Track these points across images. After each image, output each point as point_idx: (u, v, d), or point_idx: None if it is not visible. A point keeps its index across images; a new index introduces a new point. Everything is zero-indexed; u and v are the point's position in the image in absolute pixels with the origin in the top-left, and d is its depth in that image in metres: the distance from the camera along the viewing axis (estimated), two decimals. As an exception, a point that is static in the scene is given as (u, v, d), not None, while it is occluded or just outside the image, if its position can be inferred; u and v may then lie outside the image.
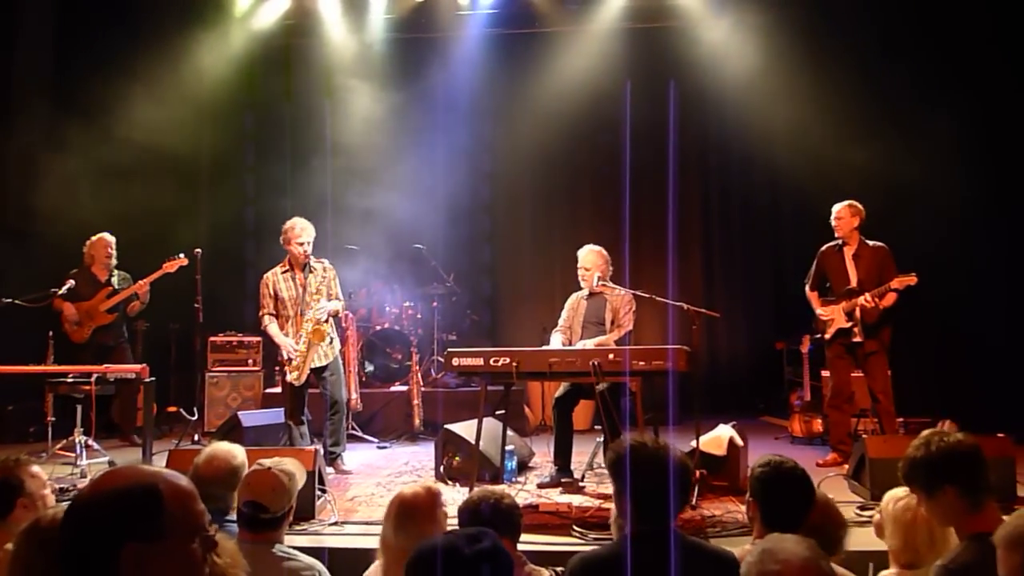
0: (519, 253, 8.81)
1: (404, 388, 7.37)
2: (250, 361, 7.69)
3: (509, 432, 5.31)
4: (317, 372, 5.55)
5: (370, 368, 7.71)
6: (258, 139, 8.43)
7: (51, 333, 6.14)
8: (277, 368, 7.74)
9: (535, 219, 8.83)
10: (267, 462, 2.68)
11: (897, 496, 2.51)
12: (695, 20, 8.06)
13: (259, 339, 7.68)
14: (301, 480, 2.80)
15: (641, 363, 4.42)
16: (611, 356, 4.49)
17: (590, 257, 5.37)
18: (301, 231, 5.47)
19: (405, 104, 8.39)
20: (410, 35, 8.61)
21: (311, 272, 5.48)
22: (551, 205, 8.77)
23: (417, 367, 7.21)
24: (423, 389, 7.20)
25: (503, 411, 5.10)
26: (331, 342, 5.59)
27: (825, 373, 6.61)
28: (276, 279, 5.55)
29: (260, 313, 5.56)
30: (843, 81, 7.17)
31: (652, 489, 2.20)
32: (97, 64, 7.66)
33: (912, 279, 5.41)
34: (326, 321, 5.50)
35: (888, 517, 2.50)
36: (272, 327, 5.50)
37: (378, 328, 7.82)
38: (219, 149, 8.40)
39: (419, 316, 7.93)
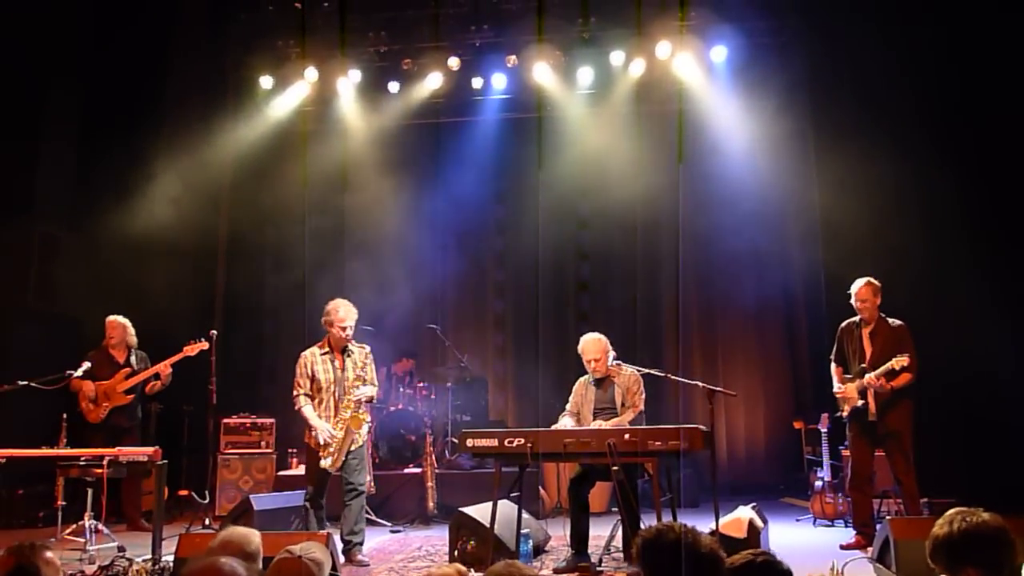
0: (533, 334, 8.85)
1: (418, 470, 7.31)
2: (263, 443, 7.66)
3: (524, 515, 5.22)
4: (347, 456, 5.43)
5: (384, 450, 7.65)
6: (276, 223, 8.60)
7: (64, 415, 6.16)
8: (292, 451, 7.75)
9: (549, 301, 8.90)
10: (296, 549, 2.65)
11: None
12: (703, 104, 8.26)
13: (272, 421, 7.69)
14: (327, 568, 2.76)
15: (657, 443, 4.39)
16: (627, 436, 4.46)
17: (596, 345, 5.35)
18: (346, 315, 5.40)
19: (419, 187, 8.61)
20: (424, 121, 8.88)
21: (349, 356, 5.44)
22: (565, 286, 8.84)
23: (431, 448, 7.16)
24: (437, 471, 7.13)
25: (518, 493, 5.03)
26: (369, 430, 5.54)
27: (846, 452, 6.51)
28: (314, 359, 5.45)
29: (295, 393, 5.44)
30: (853, 159, 7.26)
31: None
32: (119, 148, 7.96)
33: (906, 360, 5.38)
34: (365, 410, 5.47)
35: None
36: (307, 408, 5.38)
37: (392, 409, 7.81)
38: (237, 233, 8.57)
39: (433, 397, 7.91)
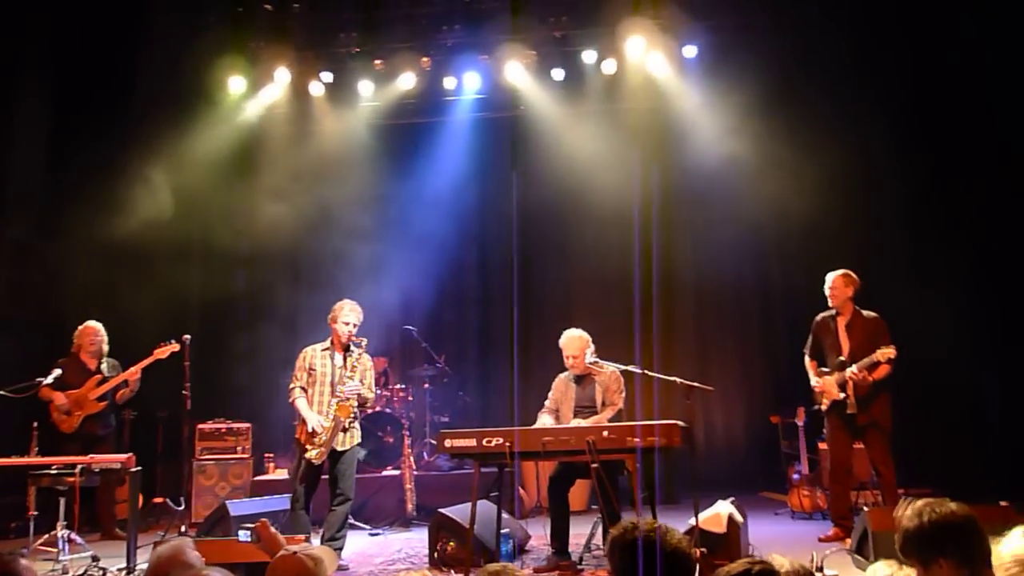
0: (510, 333, 8.81)
1: (396, 472, 7.26)
2: (239, 449, 7.56)
3: (504, 515, 5.20)
4: (332, 457, 5.43)
5: (362, 452, 7.57)
6: (249, 226, 8.51)
7: (35, 424, 6.04)
8: (269, 456, 7.68)
9: (526, 299, 8.88)
10: (293, 547, 2.62)
11: (877, 571, 2.45)
12: (674, 99, 8.29)
13: (248, 426, 7.60)
14: (331, 568, 2.72)
15: (635, 440, 4.38)
16: (605, 433, 4.45)
17: (575, 343, 5.36)
18: (350, 312, 5.53)
19: (393, 189, 8.55)
20: (397, 122, 8.83)
21: (350, 355, 5.52)
22: (542, 285, 8.82)
23: (409, 450, 7.12)
24: (415, 473, 7.09)
25: (497, 493, 5.01)
26: (352, 422, 5.49)
27: (823, 446, 6.56)
28: (315, 353, 5.56)
29: (291, 385, 5.51)
30: (826, 149, 7.32)
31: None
32: (90, 153, 7.83)
33: (892, 352, 5.41)
34: (360, 406, 5.53)
35: None
36: (300, 401, 5.45)
37: (369, 411, 7.72)
38: (210, 236, 8.47)
39: (410, 399, 7.87)
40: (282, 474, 7.38)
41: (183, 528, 6.59)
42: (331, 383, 5.46)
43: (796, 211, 7.56)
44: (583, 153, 8.23)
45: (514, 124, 8.77)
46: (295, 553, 2.63)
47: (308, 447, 5.33)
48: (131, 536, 5.06)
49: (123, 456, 5.20)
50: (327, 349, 5.56)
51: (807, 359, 5.93)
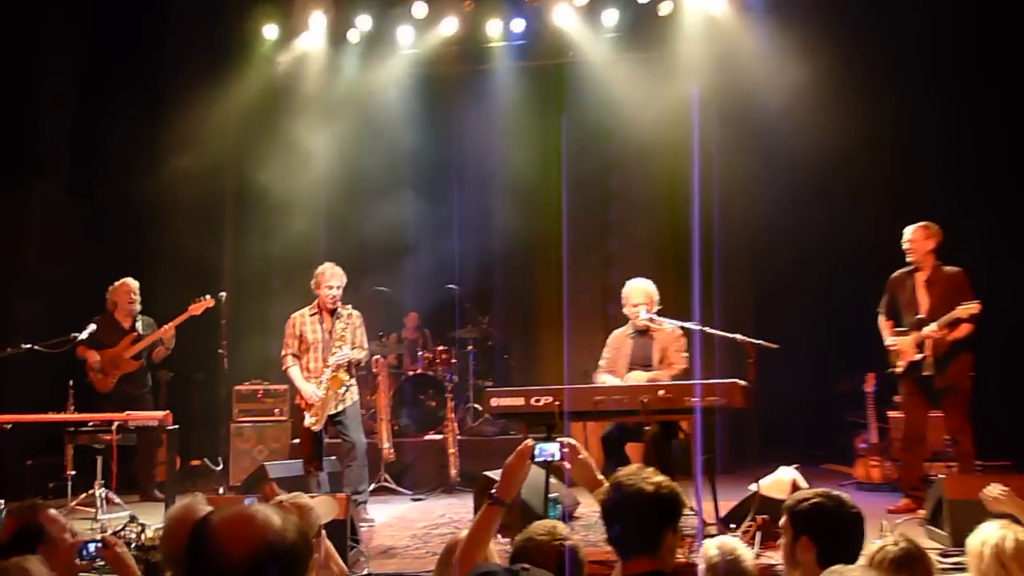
0: (559, 292, 8.77)
1: (439, 437, 7.31)
2: (277, 411, 7.66)
3: (552, 480, 5.18)
4: (332, 419, 5.66)
5: (403, 416, 7.65)
6: (285, 179, 8.55)
7: (71, 382, 6.18)
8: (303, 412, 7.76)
9: (575, 255, 8.80)
10: (282, 497, 2.65)
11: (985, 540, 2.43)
12: (734, 42, 8.04)
13: (286, 387, 7.67)
14: (325, 517, 2.74)
15: (695, 399, 4.31)
16: (661, 392, 4.38)
17: (639, 292, 5.29)
18: (331, 276, 5.69)
19: (432, 141, 8.50)
20: (438, 70, 8.74)
21: (338, 318, 5.67)
22: (591, 240, 8.75)
23: (452, 415, 7.15)
24: (459, 438, 7.12)
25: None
26: (347, 389, 5.69)
27: (893, 414, 6.42)
28: (303, 320, 5.74)
29: (283, 353, 5.75)
30: (903, 98, 7.07)
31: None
32: (120, 107, 7.88)
33: (975, 307, 5.23)
34: (347, 370, 5.66)
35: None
36: (293, 370, 5.69)
37: (410, 374, 7.80)
38: (245, 191, 8.50)
39: (453, 361, 7.90)
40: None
41: (221, 490, 6.74)
42: (323, 349, 5.66)
43: (867, 161, 7.33)
44: (636, 102, 8.04)
45: (562, 72, 8.61)
46: (281, 502, 2.65)
47: (306, 414, 5.58)
48: (169, 494, 5.17)
49: (160, 413, 5.31)
50: (315, 314, 5.73)
51: (881, 319, 5.75)
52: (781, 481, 4.68)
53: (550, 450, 2.80)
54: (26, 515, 2.59)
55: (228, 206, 8.67)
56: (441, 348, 7.94)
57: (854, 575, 1.68)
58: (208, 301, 6.54)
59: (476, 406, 7.80)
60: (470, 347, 8.03)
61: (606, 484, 2.63)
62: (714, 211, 7.59)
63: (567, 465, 2.80)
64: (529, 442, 2.77)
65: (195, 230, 8.05)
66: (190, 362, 7.49)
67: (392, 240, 8.51)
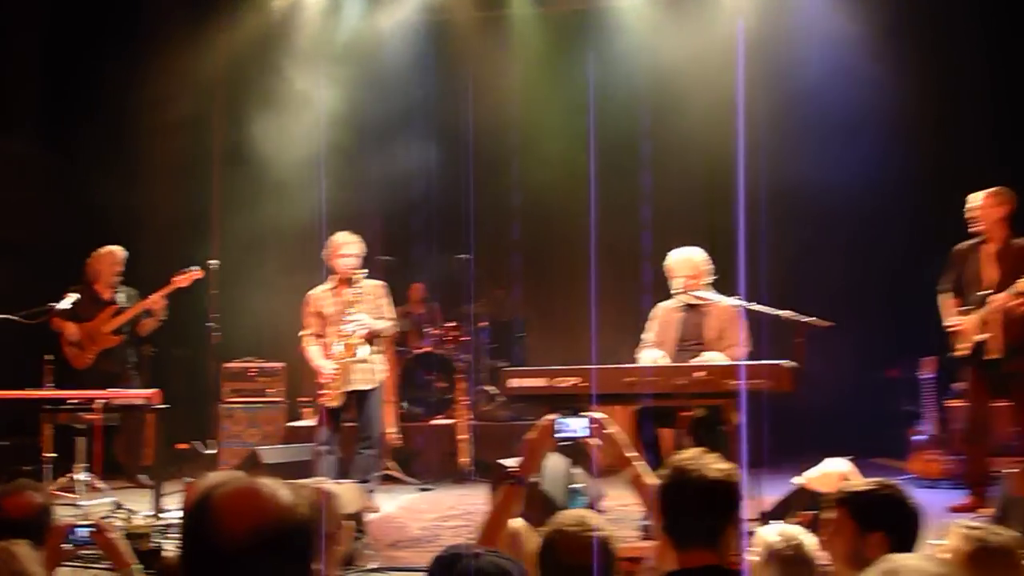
0: (585, 262, 8.76)
1: (449, 422, 7.36)
2: (271, 391, 7.73)
3: (575, 469, 5.21)
4: (356, 398, 5.72)
5: (407, 399, 7.69)
6: (278, 135, 8.54)
7: (48, 357, 6.22)
8: (304, 400, 7.82)
9: (603, 220, 8.77)
10: (310, 482, 2.67)
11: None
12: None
13: (282, 365, 7.74)
14: (350, 507, 2.76)
15: (737, 382, 4.31)
16: (701, 374, 4.39)
17: (691, 262, 5.26)
18: (343, 243, 5.82)
19: (445, 95, 8.50)
20: (449, 16, 8.71)
21: (357, 294, 5.76)
22: (621, 203, 8.72)
23: (464, 397, 7.18)
24: (471, 423, 7.17)
25: (568, 443, 5.00)
26: (370, 366, 5.77)
27: (952, 403, 6.41)
28: (319, 296, 5.87)
29: (301, 334, 5.87)
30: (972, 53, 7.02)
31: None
32: (101, 59, 7.87)
33: None
34: (370, 342, 5.74)
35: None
36: (312, 349, 5.81)
37: (417, 352, 7.82)
38: (237, 148, 8.50)
39: (465, 338, 7.91)
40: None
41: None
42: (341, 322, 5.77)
43: (929, 125, 7.28)
44: (671, 49, 8.01)
45: (589, 20, 8.58)
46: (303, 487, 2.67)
47: (321, 392, 5.75)
48: (157, 479, 5.23)
49: (148, 391, 5.36)
50: (332, 288, 5.86)
51: (944, 297, 5.67)
52: (830, 474, 4.65)
53: (575, 425, 2.81)
54: (14, 493, 2.64)
55: (218, 163, 8.68)
56: (451, 324, 7.95)
57: (915, 564, 1.67)
58: (196, 272, 6.55)
59: (490, 388, 7.83)
60: (484, 323, 8.05)
61: (640, 465, 2.65)
62: (760, 171, 7.56)
63: (596, 441, 2.81)
64: (552, 416, 2.80)
65: (183, 191, 8.08)
66: (175, 336, 7.52)
67: (398, 203, 8.54)
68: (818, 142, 8.02)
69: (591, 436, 2.81)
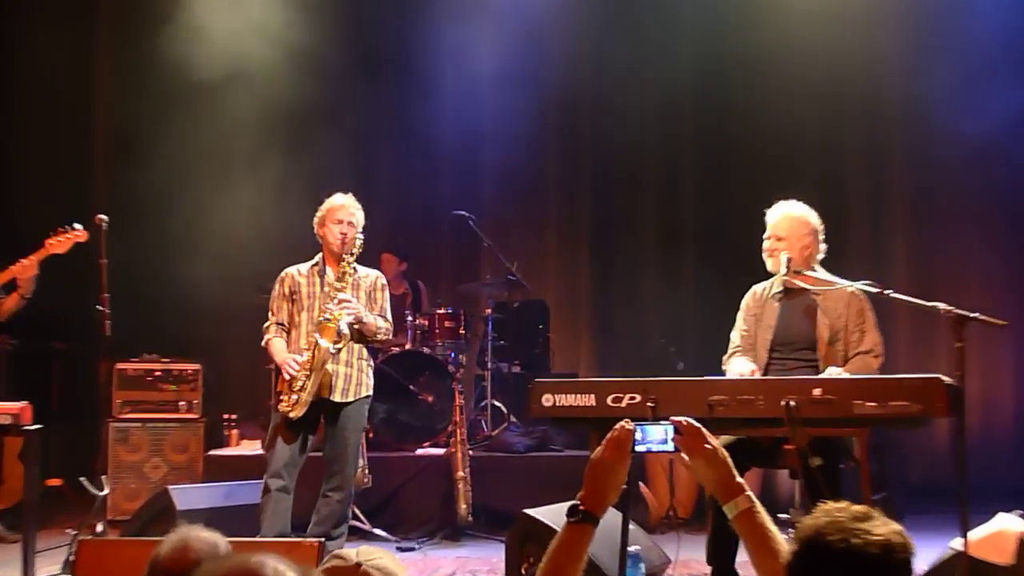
0: (631, 228, 8.79)
1: (439, 452, 7.39)
2: (183, 404, 7.74)
3: (632, 525, 5.23)
4: (329, 412, 5.74)
5: (379, 419, 7.70)
6: (197, 60, 8.54)
7: None
8: (230, 418, 7.84)
9: (651, 184, 8.84)
10: (352, 554, 2.66)
11: None
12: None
13: (198, 367, 7.75)
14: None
15: (870, 404, 4.32)
16: (818, 391, 4.39)
17: (793, 221, 5.23)
18: (341, 207, 5.95)
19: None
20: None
21: (350, 270, 5.89)
22: (680, 148, 8.79)
23: (461, 417, 7.18)
24: (471, 453, 7.17)
25: (625, 487, 5.03)
26: (353, 371, 5.82)
27: None
28: (297, 274, 6.00)
29: (266, 324, 5.99)
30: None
31: None
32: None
33: None
34: (358, 338, 5.84)
35: None
36: (275, 341, 5.92)
37: (393, 352, 7.83)
38: (136, 71, 8.65)
39: (462, 331, 7.94)
40: (253, 447, 7.57)
41: (99, 527, 6.80)
42: (318, 309, 5.88)
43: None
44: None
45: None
46: (359, 565, 2.65)
47: (283, 397, 5.67)
48: (29, 536, 5.24)
49: (15, 405, 5.34)
50: (316, 265, 6.02)
51: None
52: (1003, 536, 4.72)
53: (658, 435, 2.81)
54: None
55: (102, 88, 8.71)
56: (443, 311, 7.96)
57: None
58: (77, 234, 6.48)
59: (497, 403, 7.85)
60: (488, 311, 8.07)
61: (754, 502, 2.63)
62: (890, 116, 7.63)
63: (685, 458, 2.81)
64: (627, 424, 2.79)
65: (67, 145, 8.13)
66: (49, 324, 7.53)
67: (365, 143, 8.61)
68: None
69: (681, 450, 2.81)
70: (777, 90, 8.66)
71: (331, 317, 5.68)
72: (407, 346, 7.87)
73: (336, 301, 5.72)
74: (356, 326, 5.78)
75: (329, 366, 5.66)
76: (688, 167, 9.04)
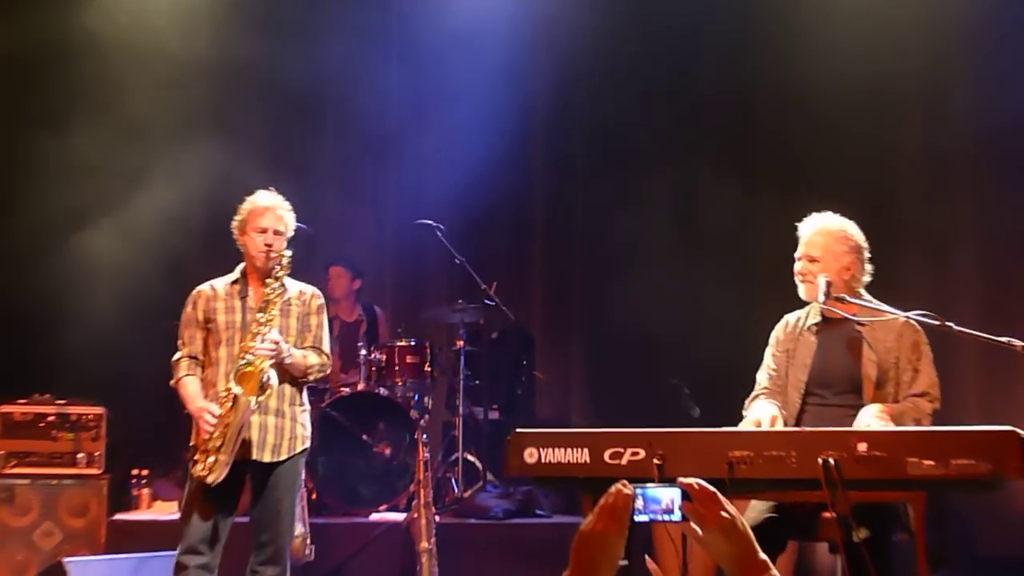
0: (630, 239, 8.84)
1: (398, 517, 7.40)
2: (81, 457, 7.70)
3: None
4: (256, 472, 5.65)
5: (323, 474, 7.69)
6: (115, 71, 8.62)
7: None
8: (139, 474, 7.81)
9: (659, 169, 8.89)
10: None
11: None
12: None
13: (101, 412, 7.73)
14: None
15: (927, 463, 4.32)
16: (863, 447, 4.38)
17: (826, 239, 5.23)
18: (266, 209, 5.79)
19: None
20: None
21: (276, 292, 5.75)
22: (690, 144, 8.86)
23: (425, 475, 7.17)
24: (438, 519, 7.14)
25: (626, 563, 5.03)
26: (290, 427, 5.73)
27: None
28: (213, 295, 5.86)
29: (175, 356, 5.83)
30: None
31: None
32: None
33: None
34: (291, 382, 5.75)
35: None
36: (187, 381, 5.76)
37: (342, 393, 7.83)
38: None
39: (427, 368, 7.96)
40: (168, 510, 7.56)
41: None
42: (240, 337, 5.75)
43: None
44: None
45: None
46: None
47: (196, 458, 5.56)
48: None
49: None
50: (236, 282, 5.90)
51: None
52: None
53: (664, 500, 2.76)
54: None
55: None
56: (404, 343, 7.98)
57: None
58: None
59: (470, 457, 7.86)
60: (460, 343, 8.08)
61: None
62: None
63: (697, 530, 2.77)
64: (625, 488, 2.74)
65: None
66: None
67: (310, 142, 8.72)
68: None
69: (692, 520, 2.77)
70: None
71: (252, 362, 5.52)
72: (360, 386, 7.90)
73: (262, 339, 5.56)
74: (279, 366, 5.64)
75: (254, 417, 5.55)
76: (706, 176, 9.06)
